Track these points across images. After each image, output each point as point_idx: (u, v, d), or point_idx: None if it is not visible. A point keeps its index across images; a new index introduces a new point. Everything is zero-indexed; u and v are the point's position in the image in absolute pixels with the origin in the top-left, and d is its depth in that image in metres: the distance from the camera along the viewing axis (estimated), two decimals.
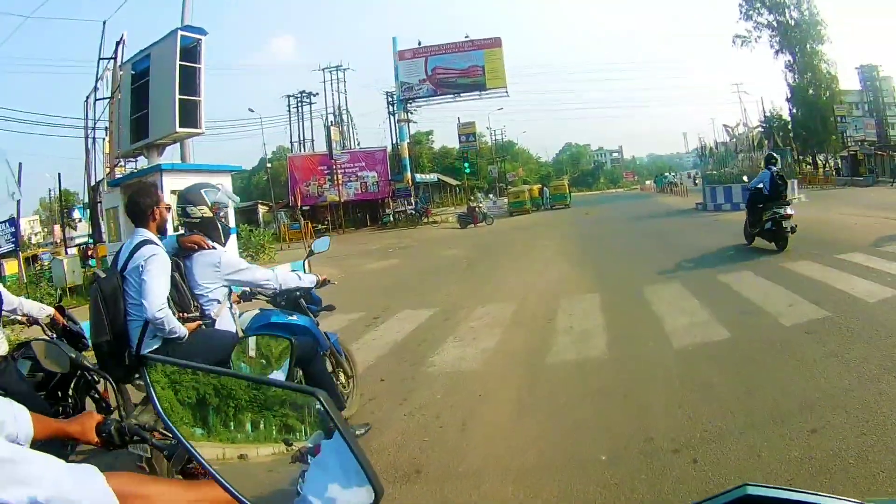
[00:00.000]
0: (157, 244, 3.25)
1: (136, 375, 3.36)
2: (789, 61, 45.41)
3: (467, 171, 44.75)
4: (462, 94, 41.09)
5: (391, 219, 37.65)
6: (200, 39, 14.69)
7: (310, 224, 30.03)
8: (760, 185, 10.88)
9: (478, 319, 7.70)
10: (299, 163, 41.53)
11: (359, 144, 47.40)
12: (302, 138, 50.23)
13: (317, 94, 49.36)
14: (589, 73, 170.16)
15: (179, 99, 14.03)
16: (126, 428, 1.60)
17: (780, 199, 10.50)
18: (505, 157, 74.38)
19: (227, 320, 3.56)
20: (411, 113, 46.53)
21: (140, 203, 3.33)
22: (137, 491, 1.11)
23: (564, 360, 5.56)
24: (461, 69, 39.97)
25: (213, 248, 3.55)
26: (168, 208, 3.48)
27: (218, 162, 17.73)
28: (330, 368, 4.20)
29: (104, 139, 19.37)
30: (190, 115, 14.35)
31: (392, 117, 47.28)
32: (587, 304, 7.92)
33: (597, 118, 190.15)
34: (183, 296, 3.33)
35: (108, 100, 17.86)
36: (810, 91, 44.38)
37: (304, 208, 39.35)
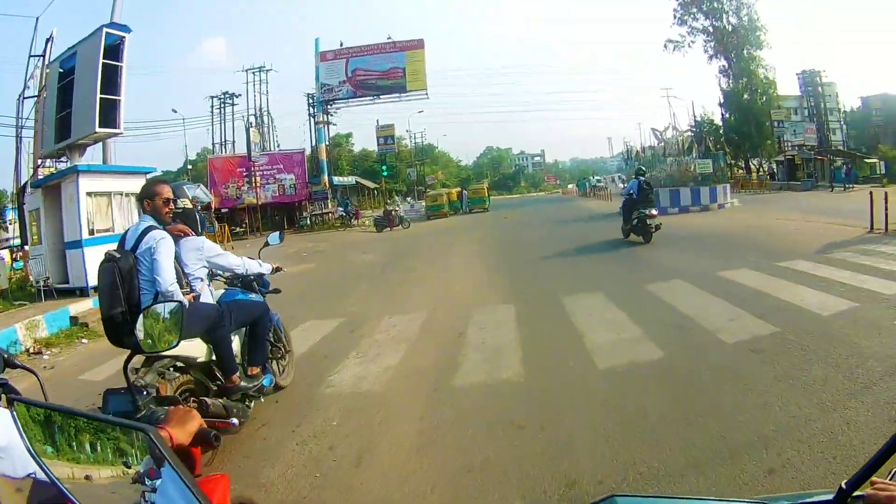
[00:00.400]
0: (162, 229, 3.92)
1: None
2: (724, 66, 45.79)
3: (385, 173, 45.05)
4: (382, 97, 41.08)
5: (308, 222, 37.42)
6: (124, 38, 14.49)
7: (226, 227, 30.00)
8: (632, 192, 13.50)
9: (384, 332, 7.32)
10: (219, 164, 40.63)
11: (279, 146, 47.14)
12: (224, 140, 49.51)
13: (239, 95, 48.83)
14: (512, 76, 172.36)
15: (101, 98, 13.90)
16: None
17: (646, 202, 13.21)
18: (424, 161, 74.83)
19: (206, 295, 4.29)
20: (331, 115, 46.75)
21: (143, 191, 4.08)
22: None
23: (474, 382, 5.06)
24: (382, 71, 39.95)
25: (194, 235, 4.28)
26: (166, 202, 4.01)
27: (142, 163, 17.56)
28: (273, 340, 5.03)
29: (31, 139, 19.04)
30: (110, 114, 14.13)
31: (312, 119, 47.29)
32: (501, 315, 7.47)
33: (519, 122, 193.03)
34: (178, 274, 3.92)
35: (35, 98, 17.55)
36: (745, 96, 44.75)
37: (222, 211, 39.11)
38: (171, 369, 3.78)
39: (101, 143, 15.72)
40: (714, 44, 45.37)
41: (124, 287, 3.72)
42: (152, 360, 3.64)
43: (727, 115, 46.48)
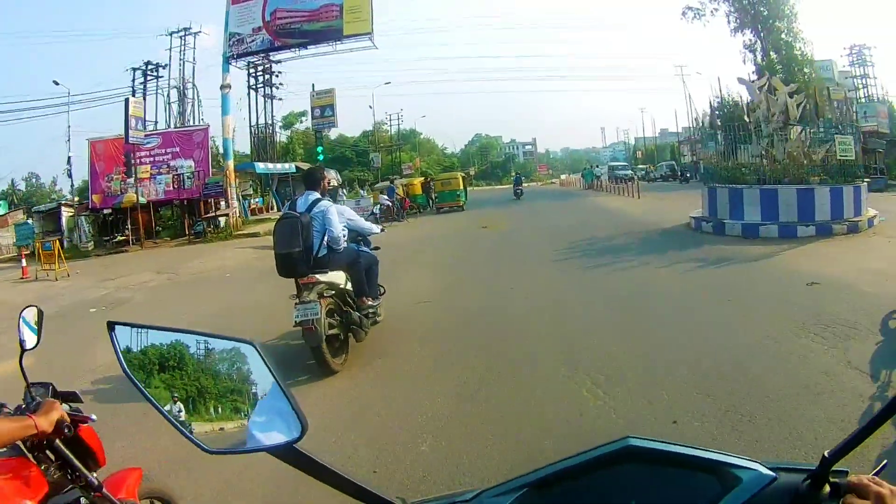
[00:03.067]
0: (327, 200, 5.74)
1: (315, 271, 5.42)
2: (750, 41, 37.16)
3: (321, 157, 34.29)
4: (310, 47, 29.58)
5: (203, 227, 26.74)
6: None
7: (56, 245, 18.34)
8: None
9: None
10: (101, 150, 29.79)
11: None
12: (145, 121, 39.10)
13: (165, 66, 38.39)
14: (503, 60, 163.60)
15: None
16: None
17: None
18: (401, 146, 65.53)
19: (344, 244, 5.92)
20: (277, 87, 36.46)
21: (315, 174, 5.99)
22: None
23: None
24: (310, 10, 28.34)
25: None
26: (330, 184, 7.53)
27: None
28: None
29: None
30: None
31: (254, 92, 37.13)
32: None
33: (510, 110, 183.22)
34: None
35: None
36: (779, 74, 35.92)
37: (103, 212, 28.67)
38: (325, 293, 5.45)
39: None
40: (738, 15, 36.47)
41: (302, 234, 5.26)
42: (312, 286, 5.30)
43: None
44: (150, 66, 37.87)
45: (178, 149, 28.51)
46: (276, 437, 0.95)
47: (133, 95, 37.04)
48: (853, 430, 0.90)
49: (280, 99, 37.44)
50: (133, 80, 38.11)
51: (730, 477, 0.93)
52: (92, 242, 28.16)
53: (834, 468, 0.88)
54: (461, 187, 30.41)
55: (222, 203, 28.14)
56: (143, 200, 27.31)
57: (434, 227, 21.49)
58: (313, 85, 33.43)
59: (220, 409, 1.05)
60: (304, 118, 51.75)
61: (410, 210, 28.95)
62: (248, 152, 39.02)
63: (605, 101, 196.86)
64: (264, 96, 37.52)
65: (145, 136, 27.70)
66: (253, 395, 1.01)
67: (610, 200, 27.40)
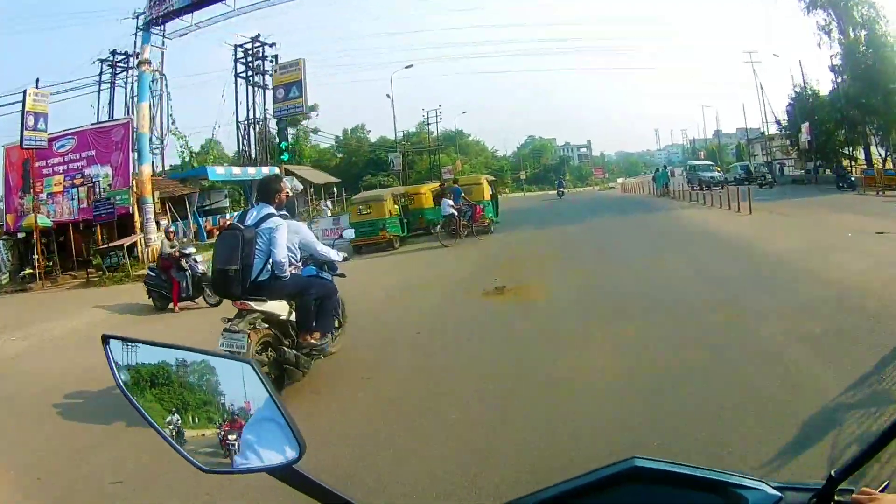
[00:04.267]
0: (279, 217, 5.08)
1: (250, 296, 4.91)
2: (825, 20, 31.97)
3: (285, 157, 25.60)
4: None
5: (119, 259, 18.14)
6: None
7: None
8: None
9: None
10: (16, 158, 22.11)
11: (174, 123, 29.89)
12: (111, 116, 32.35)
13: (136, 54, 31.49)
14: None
15: None
16: None
17: None
18: (440, 147, 58.81)
19: (297, 270, 5.38)
20: (270, 73, 28.95)
21: (270, 185, 5.28)
22: None
23: None
24: None
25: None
26: (288, 195, 5.52)
27: None
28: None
29: None
30: None
31: (243, 81, 30.00)
32: None
33: (565, 111, 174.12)
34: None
35: None
36: (865, 56, 30.42)
37: (17, 236, 22.24)
38: (258, 323, 4.91)
39: None
40: None
41: (243, 251, 4.77)
42: (245, 313, 4.86)
43: (840, 83, 32.35)
44: (117, 56, 31.19)
45: (94, 152, 20.81)
46: (274, 458, 0.96)
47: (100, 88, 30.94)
48: (860, 449, 0.91)
49: (264, 86, 29.95)
50: (100, 74, 31.71)
51: (735, 497, 0.93)
52: (7, 275, 21.30)
53: (840, 487, 0.88)
54: (487, 197, 20.02)
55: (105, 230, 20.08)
56: (47, 222, 20.00)
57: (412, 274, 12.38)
58: (276, 58, 25.24)
59: (215, 428, 1.02)
60: (315, 112, 44.44)
61: (410, 234, 19.82)
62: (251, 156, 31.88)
63: (660, 101, 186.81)
64: (253, 85, 30.16)
65: (54, 137, 20.25)
66: (249, 415, 1.00)
67: (709, 217, 17.48)
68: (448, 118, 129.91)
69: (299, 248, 5.31)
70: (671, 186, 32.03)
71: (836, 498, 0.87)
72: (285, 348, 4.97)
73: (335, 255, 5.69)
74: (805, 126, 33.16)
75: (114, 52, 31.23)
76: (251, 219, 5.05)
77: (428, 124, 57.63)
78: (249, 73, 30.40)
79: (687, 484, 0.93)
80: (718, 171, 37.33)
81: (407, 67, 42.63)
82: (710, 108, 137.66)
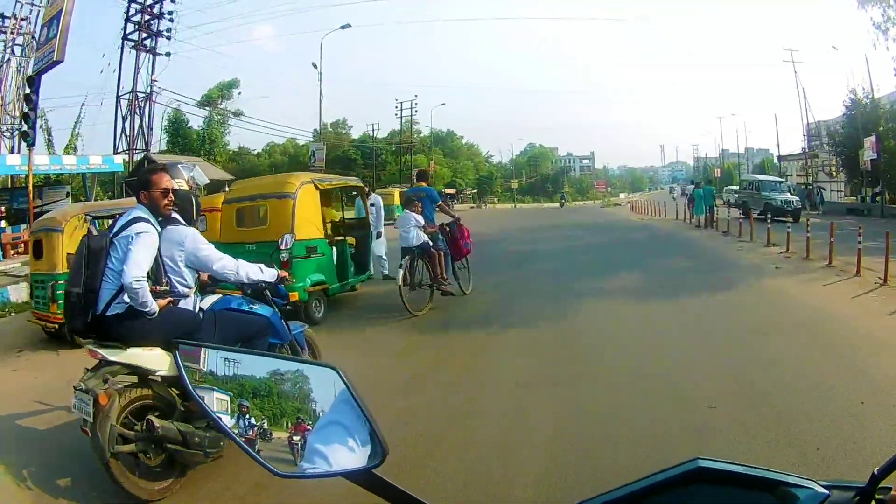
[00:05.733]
0: (150, 223, 3.39)
1: (93, 336, 3.32)
2: (882, 16, 27.80)
3: (30, 141, 16.81)
4: None
5: None
6: None
7: None
8: None
9: None
10: None
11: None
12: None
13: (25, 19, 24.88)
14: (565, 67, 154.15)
15: None
16: None
17: None
18: (412, 146, 53.94)
19: (189, 302, 3.67)
20: (168, 37, 22.81)
21: (140, 178, 3.65)
22: None
23: None
24: None
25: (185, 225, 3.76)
26: (165, 193, 3.51)
27: None
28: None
29: None
30: None
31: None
32: None
33: (567, 122, 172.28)
34: (158, 267, 3.43)
35: None
36: None
37: None
38: (119, 381, 3.29)
39: None
40: None
41: (88, 268, 3.30)
42: (99, 365, 3.25)
43: None
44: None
45: None
46: (354, 461, 0.94)
47: None
48: None
49: (167, 54, 23.05)
50: None
51: (789, 496, 0.96)
52: None
53: (881, 485, 0.90)
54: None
55: None
56: None
57: None
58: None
59: (289, 433, 1.01)
60: (236, 89, 37.58)
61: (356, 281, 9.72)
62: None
63: (667, 116, 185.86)
64: (146, 49, 23.09)
65: None
66: (328, 420, 0.98)
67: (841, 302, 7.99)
68: (440, 116, 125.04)
69: (188, 266, 3.65)
70: (709, 214, 21.89)
71: (876, 496, 0.89)
72: (154, 420, 3.13)
73: (261, 274, 3.88)
74: (870, 141, 26.00)
75: None
76: (117, 223, 3.46)
77: (401, 117, 51.46)
78: (142, 35, 23.37)
79: (747, 484, 0.95)
80: (796, 197, 25.39)
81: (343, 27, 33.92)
82: (733, 119, 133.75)
